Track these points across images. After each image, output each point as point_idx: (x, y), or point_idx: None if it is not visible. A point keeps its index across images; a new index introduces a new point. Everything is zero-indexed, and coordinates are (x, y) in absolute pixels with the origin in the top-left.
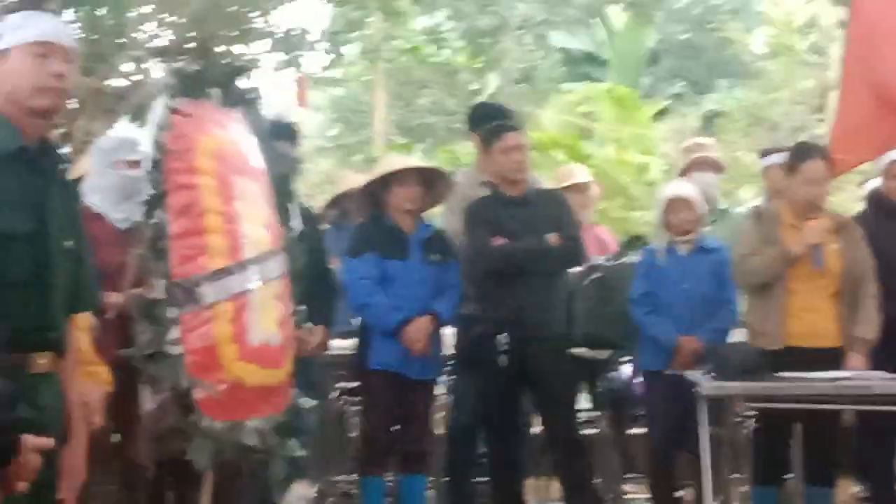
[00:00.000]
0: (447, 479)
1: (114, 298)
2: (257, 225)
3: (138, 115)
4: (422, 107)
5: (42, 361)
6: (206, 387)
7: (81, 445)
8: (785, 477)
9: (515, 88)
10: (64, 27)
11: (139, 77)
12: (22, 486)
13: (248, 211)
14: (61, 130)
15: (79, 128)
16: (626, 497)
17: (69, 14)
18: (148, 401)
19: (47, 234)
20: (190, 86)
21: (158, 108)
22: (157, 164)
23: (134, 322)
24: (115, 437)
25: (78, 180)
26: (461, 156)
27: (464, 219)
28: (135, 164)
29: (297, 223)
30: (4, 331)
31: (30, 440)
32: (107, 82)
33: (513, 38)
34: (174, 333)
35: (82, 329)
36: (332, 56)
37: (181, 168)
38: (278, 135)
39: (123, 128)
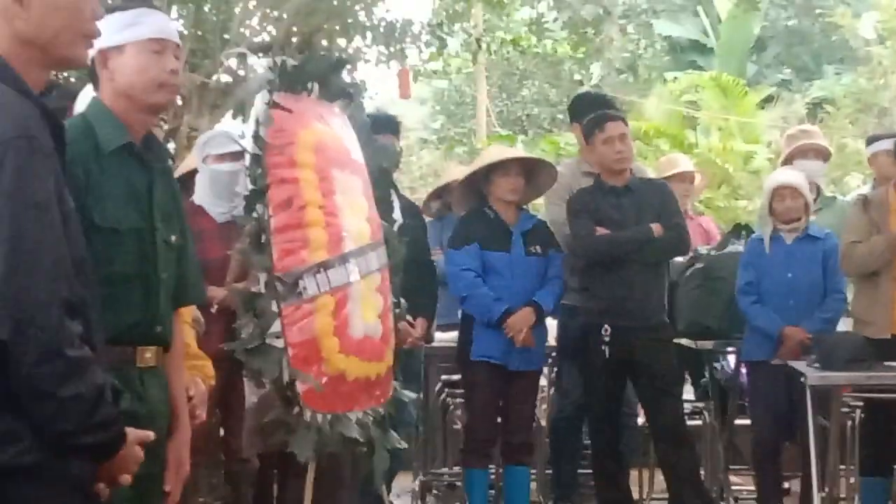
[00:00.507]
0: (551, 470)
1: (216, 292)
2: (358, 218)
3: (241, 111)
4: (524, 98)
5: (148, 355)
6: (308, 380)
7: (186, 438)
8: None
9: (619, 78)
10: (173, 24)
11: (243, 72)
12: (126, 478)
13: (349, 204)
14: (168, 126)
15: (184, 123)
16: (731, 489)
17: (175, 11)
18: (251, 394)
19: (153, 229)
20: (291, 80)
21: (259, 104)
22: (257, 159)
23: (236, 316)
24: (220, 431)
25: (189, 174)
26: (564, 146)
27: (567, 209)
28: (228, 157)
29: (398, 215)
30: (111, 324)
31: (133, 433)
32: (212, 78)
33: (616, 28)
34: (276, 327)
35: (187, 323)
36: (435, 48)
37: (282, 162)
38: (380, 128)
39: (226, 122)
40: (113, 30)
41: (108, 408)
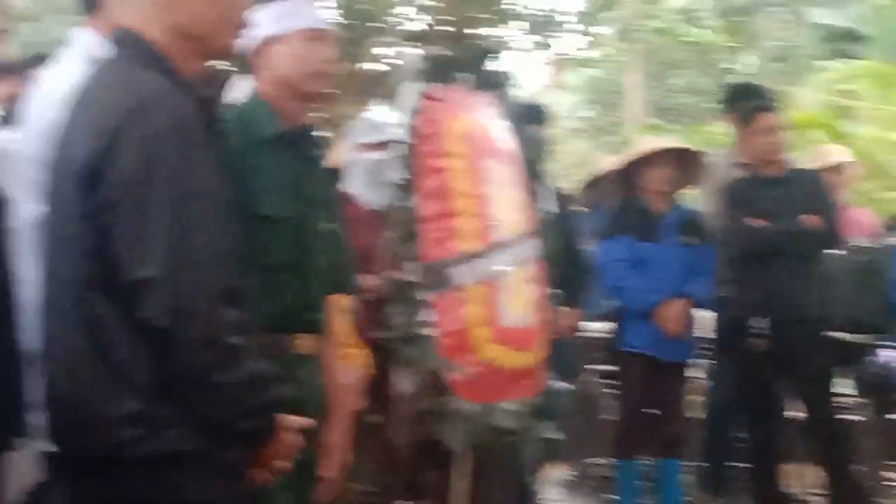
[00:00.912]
0: (704, 463)
1: (368, 281)
2: (509, 208)
3: (391, 100)
4: (676, 87)
5: (303, 342)
6: (459, 369)
7: (343, 426)
8: None
9: (772, 67)
10: (328, 13)
11: (394, 61)
12: (282, 464)
13: (499, 194)
14: (320, 115)
15: (336, 112)
16: (888, 484)
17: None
18: (403, 383)
19: (307, 218)
20: (441, 70)
21: (410, 93)
22: (408, 149)
23: (388, 304)
24: (373, 419)
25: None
26: (716, 136)
27: (720, 200)
28: (376, 146)
29: (549, 205)
30: (267, 312)
31: (289, 420)
32: (363, 67)
33: (769, 16)
34: (427, 316)
35: (340, 311)
36: (586, 37)
37: (432, 152)
38: (530, 117)
39: (376, 111)
40: (270, 20)
41: (264, 395)
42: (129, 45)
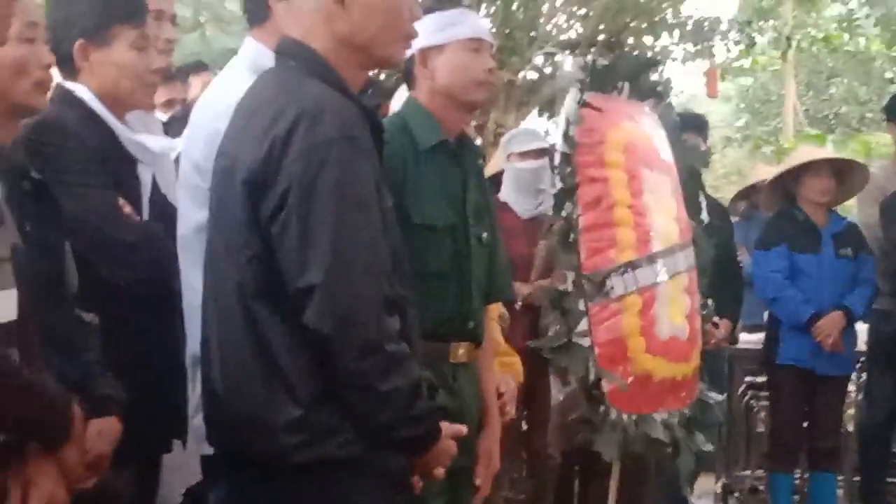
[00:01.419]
0: (859, 477)
1: (521, 289)
2: (666, 218)
3: (548, 108)
4: (834, 96)
5: (461, 351)
6: (614, 379)
7: (497, 434)
8: None
9: None
10: (487, 23)
11: (550, 70)
12: (440, 472)
13: (658, 204)
14: (475, 123)
15: (491, 120)
16: None
17: (483, 9)
18: (556, 391)
19: (466, 226)
20: (600, 79)
21: (569, 102)
22: (567, 158)
23: (542, 313)
24: (524, 427)
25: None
26: (876, 146)
27: (880, 212)
28: (532, 155)
29: (705, 216)
30: (426, 320)
31: (447, 427)
32: (519, 75)
33: None
34: (583, 325)
35: (494, 319)
36: (743, 45)
37: (591, 161)
38: (688, 126)
39: (532, 120)
40: (432, 30)
41: (425, 402)
42: (296, 55)
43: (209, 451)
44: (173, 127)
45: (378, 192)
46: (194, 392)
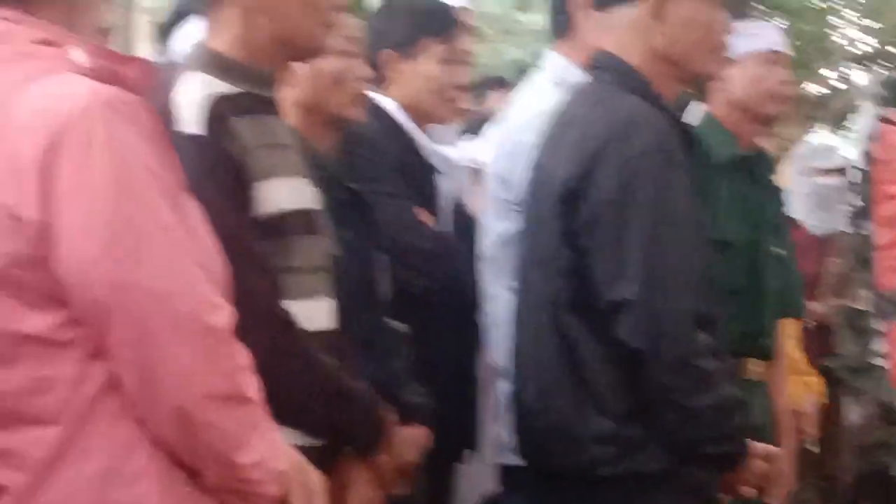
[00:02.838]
0: None
1: (814, 307)
2: None
3: (837, 123)
4: None
5: (754, 367)
6: None
7: (790, 453)
8: None
9: None
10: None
11: (839, 84)
12: (748, 490)
13: None
14: (768, 137)
15: (778, 134)
16: None
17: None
18: (851, 413)
19: (761, 241)
20: None
21: (866, 118)
22: (865, 175)
23: (836, 332)
24: (815, 448)
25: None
26: None
27: None
28: (831, 172)
29: None
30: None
31: (756, 446)
32: (808, 89)
33: None
34: (880, 346)
35: (790, 336)
36: None
37: (889, 178)
38: None
39: (821, 135)
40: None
41: (735, 420)
42: (610, 69)
43: (508, 460)
44: (466, 137)
45: (690, 207)
46: (492, 401)
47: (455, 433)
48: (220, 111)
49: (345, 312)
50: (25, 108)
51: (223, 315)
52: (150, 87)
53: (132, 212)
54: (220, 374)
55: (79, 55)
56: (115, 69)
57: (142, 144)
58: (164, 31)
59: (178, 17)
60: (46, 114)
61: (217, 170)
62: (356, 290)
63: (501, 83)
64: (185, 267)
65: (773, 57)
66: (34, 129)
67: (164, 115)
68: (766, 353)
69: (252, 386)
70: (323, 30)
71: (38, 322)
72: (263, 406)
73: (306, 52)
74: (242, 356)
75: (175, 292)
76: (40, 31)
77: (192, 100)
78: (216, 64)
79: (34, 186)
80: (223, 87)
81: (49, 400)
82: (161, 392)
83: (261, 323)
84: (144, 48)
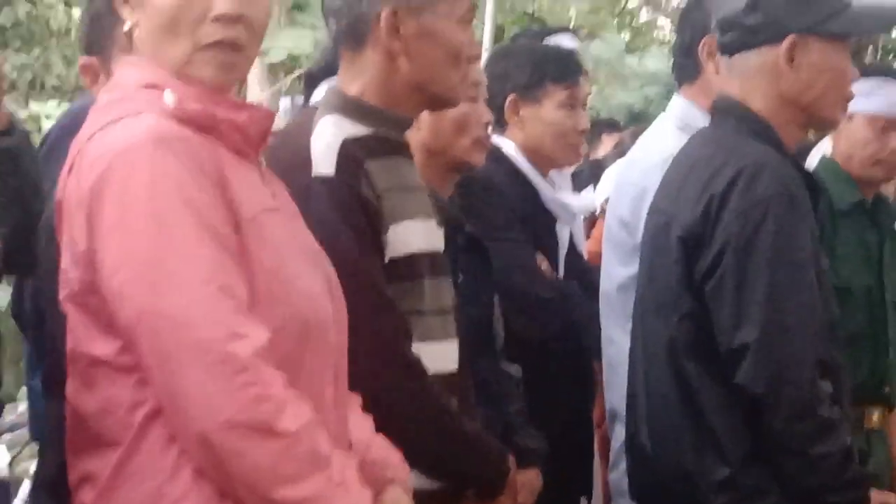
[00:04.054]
0: None
1: None
2: None
3: None
4: None
5: (874, 416)
6: None
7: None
8: None
9: None
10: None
11: None
12: None
13: None
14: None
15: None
16: None
17: None
18: None
19: (882, 288)
20: None
21: None
22: None
23: None
24: None
25: None
26: None
27: None
28: None
29: None
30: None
31: (876, 496)
32: None
33: None
34: None
35: None
36: None
37: None
38: None
39: None
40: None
41: (857, 468)
42: (734, 114)
43: None
44: (577, 182)
45: (813, 253)
46: (607, 446)
47: (569, 478)
48: (353, 153)
49: (465, 355)
50: (96, 146)
51: (247, 344)
52: (265, 132)
53: (164, 245)
54: (240, 402)
55: (168, 97)
56: (212, 112)
57: (187, 178)
58: (312, 80)
59: (328, 68)
60: (104, 150)
61: (350, 212)
62: (474, 333)
63: (614, 126)
64: (209, 296)
65: (886, 123)
66: (93, 164)
67: (299, 158)
68: (887, 400)
69: (292, 419)
70: (462, 80)
71: (106, 346)
72: (331, 449)
73: (444, 101)
74: (275, 387)
75: (195, 320)
76: (150, 75)
77: (325, 142)
78: (350, 107)
79: (84, 220)
80: (356, 129)
81: (113, 422)
82: (185, 417)
83: (389, 366)
84: (254, 91)
